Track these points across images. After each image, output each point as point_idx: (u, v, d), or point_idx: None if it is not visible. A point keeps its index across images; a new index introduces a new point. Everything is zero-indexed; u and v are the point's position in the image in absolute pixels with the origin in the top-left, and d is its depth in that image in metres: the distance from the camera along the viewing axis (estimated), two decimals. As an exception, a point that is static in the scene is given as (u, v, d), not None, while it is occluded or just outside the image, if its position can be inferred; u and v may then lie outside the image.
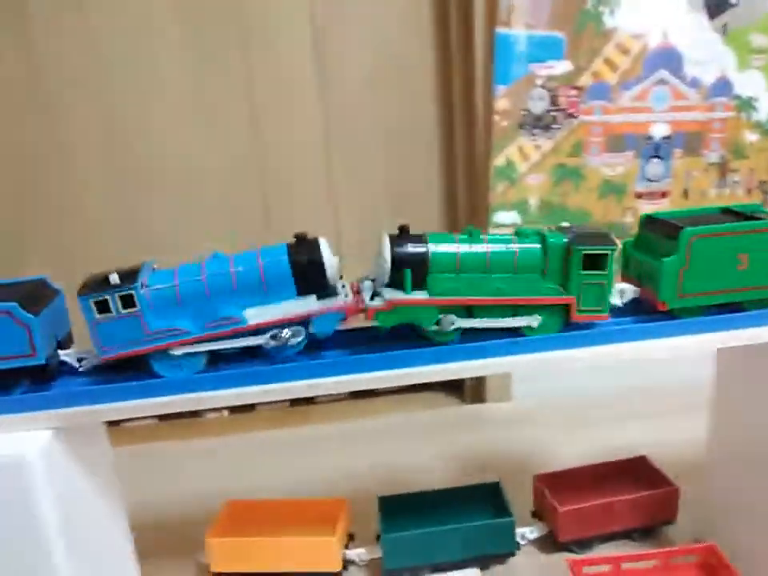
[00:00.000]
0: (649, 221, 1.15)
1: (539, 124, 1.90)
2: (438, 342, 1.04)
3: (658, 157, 1.97)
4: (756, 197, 2.03)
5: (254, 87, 1.90)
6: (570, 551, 1.42)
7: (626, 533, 1.44)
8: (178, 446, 1.99)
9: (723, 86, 1.92)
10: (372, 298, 1.02)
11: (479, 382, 2.14)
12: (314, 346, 1.04)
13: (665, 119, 1.94)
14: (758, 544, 1.24)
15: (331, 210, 2.02)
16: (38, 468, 0.94)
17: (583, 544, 1.42)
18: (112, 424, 1.14)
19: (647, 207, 1.99)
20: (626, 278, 1.16)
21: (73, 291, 0.99)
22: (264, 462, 1.86)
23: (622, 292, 1.10)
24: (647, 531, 1.45)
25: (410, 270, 1.01)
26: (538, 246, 1.05)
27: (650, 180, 1.98)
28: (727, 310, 1.09)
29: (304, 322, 1.00)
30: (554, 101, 1.89)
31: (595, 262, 1.02)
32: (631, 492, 1.43)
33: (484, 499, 1.46)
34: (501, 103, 1.86)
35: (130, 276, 0.98)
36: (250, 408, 2.16)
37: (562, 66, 1.87)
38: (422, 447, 1.88)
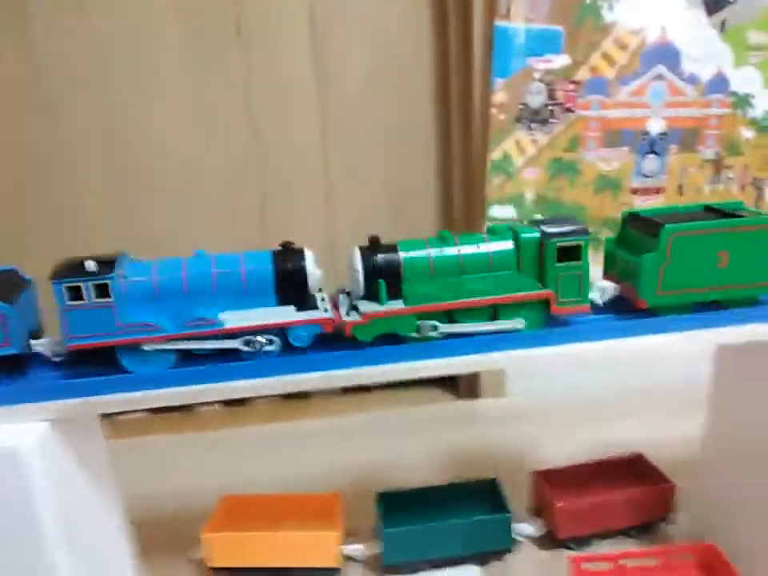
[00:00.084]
0: (631, 218, 1.15)
1: (536, 118, 1.89)
2: None
3: (654, 152, 1.96)
4: (750, 193, 2.03)
5: (253, 87, 1.90)
6: (568, 548, 1.41)
7: (624, 530, 1.44)
8: (172, 440, 1.98)
9: (720, 83, 1.92)
10: (348, 312, 1.01)
11: (474, 378, 2.13)
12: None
13: (661, 115, 1.93)
14: (755, 542, 1.25)
15: (329, 210, 2.02)
16: (34, 459, 0.93)
17: (581, 541, 1.42)
18: (105, 417, 1.12)
19: (642, 203, 1.99)
20: (607, 276, 1.15)
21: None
22: (258, 457, 1.85)
23: (602, 290, 1.10)
24: (644, 528, 1.45)
25: (383, 280, 1.00)
26: (511, 242, 1.05)
27: (645, 176, 1.98)
28: (712, 308, 1.09)
29: (280, 330, 0.99)
30: (551, 95, 1.88)
31: (570, 254, 1.02)
32: (629, 489, 1.42)
33: (481, 496, 1.45)
34: (498, 96, 1.85)
35: (106, 264, 0.96)
36: (243, 402, 2.15)
37: (560, 60, 1.86)
38: (417, 442, 1.87)
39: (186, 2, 1.81)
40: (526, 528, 1.41)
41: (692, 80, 1.91)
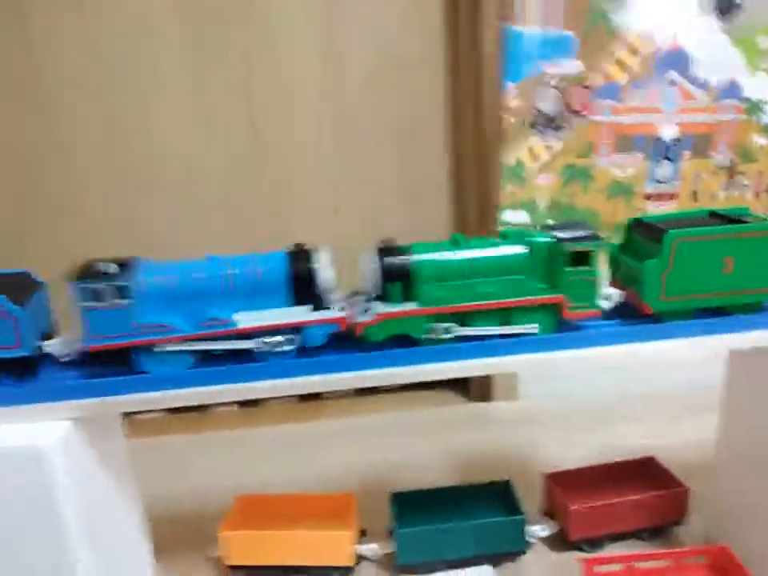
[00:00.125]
0: (635, 224, 1.15)
1: (550, 124, 1.90)
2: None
3: (667, 158, 1.97)
4: (764, 200, 2.03)
5: (254, 87, 1.90)
6: (581, 550, 1.42)
7: (636, 532, 1.45)
8: (188, 440, 2.00)
9: (732, 89, 1.93)
10: (361, 312, 1.03)
11: (486, 381, 2.14)
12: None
13: (674, 121, 1.94)
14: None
15: (332, 211, 2.02)
16: (57, 458, 0.95)
17: (594, 543, 1.43)
18: (123, 416, 1.14)
19: (655, 209, 2.00)
20: (613, 282, 1.16)
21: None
22: (272, 457, 1.87)
23: (608, 296, 1.10)
24: (657, 531, 1.46)
25: (397, 281, 1.02)
26: (524, 247, 1.06)
27: (658, 181, 1.99)
28: (718, 314, 1.09)
29: (295, 330, 1.01)
30: (564, 100, 1.88)
31: (582, 259, 1.03)
32: (641, 492, 1.43)
33: (494, 497, 1.47)
34: (510, 101, 1.86)
35: (125, 266, 0.99)
36: (258, 403, 2.16)
37: (573, 66, 1.87)
38: (429, 444, 1.88)
39: (186, 2, 1.81)
40: (538, 529, 1.42)
41: (704, 86, 1.92)
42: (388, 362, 1.03)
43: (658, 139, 1.95)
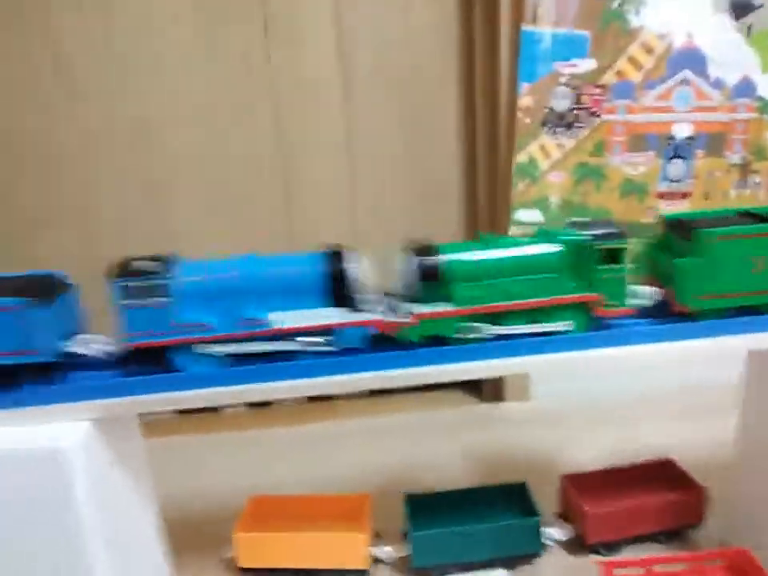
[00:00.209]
0: (669, 222, 1.14)
1: (562, 122, 1.89)
2: None
3: (680, 157, 1.96)
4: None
5: (278, 88, 1.90)
6: (598, 553, 1.41)
7: (653, 535, 1.43)
8: (201, 440, 1.99)
9: (746, 88, 1.92)
10: (396, 313, 1.02)
11: (498, 381, 2.13)
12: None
13: (687, 119, 1.93)
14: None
15: (352, 211, 2.02)
16: (77, 458, 0.94)
17: (611, 546, 1.41)
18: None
19: (668, 207, 1.99)
20: (647, 279, 1.15)
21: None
22: (286, 458, 1.86)
23: (642, 294, 1.10)
24: (674, 534, 1.44)
25: (431, 282, 1.02)
26: (555, 245, 1.05)
27: (671, 180, 1.98)
28: (742, 313, 1.08)
29: (332, 331, 1.00)
30: (577, 99, 1.88)
31: (613, 257, 1.03)
32: (659, 494, 1.42)
33: (510, 499, 1.45)
34: (524, 101, 1.85)
35: (163, 264, 0.98)
36: (269, 403, 2.15)
37: (587, 65, 1.86)
38: (442, 445, 1.87)
39: (211, 2, 1.81)
40: (555, 532, 1.40)
41: (718, 84, 1.90)
42: (429, 360, 1.03)
43: (672, 138, 1.93)
